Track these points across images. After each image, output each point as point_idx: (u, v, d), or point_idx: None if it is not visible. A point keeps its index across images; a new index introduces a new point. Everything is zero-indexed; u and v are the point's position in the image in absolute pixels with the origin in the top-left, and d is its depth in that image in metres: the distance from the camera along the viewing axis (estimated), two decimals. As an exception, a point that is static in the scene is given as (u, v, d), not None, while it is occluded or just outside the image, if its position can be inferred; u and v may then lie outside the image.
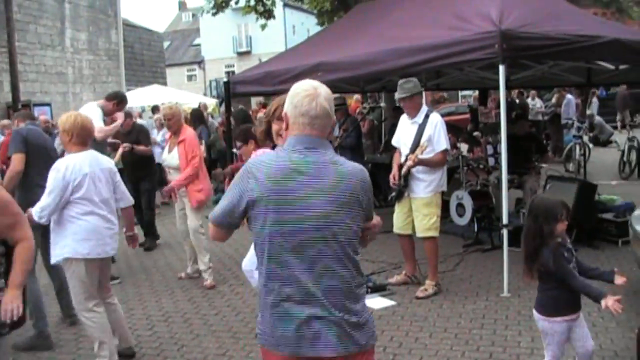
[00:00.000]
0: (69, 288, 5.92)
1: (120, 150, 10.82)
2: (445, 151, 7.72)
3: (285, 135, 3.24)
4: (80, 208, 5.66)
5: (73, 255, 5.63)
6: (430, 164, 7.63)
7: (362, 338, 3.12)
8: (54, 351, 6.58)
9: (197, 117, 16.62)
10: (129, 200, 6.25)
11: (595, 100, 27.17)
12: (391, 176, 7.87)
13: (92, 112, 8.38)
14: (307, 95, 3.15)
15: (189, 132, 8.81)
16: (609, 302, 4.25)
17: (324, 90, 3.21)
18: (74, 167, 5.65)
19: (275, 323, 3.07)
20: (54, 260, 5.77)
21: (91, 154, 5.88)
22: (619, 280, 4.52)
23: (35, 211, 5.57)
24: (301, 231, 3.02)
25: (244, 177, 3.13)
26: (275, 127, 3.93)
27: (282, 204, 3.02)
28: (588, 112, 22.72)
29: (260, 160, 3.16)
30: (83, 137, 5.85)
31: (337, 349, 3.04)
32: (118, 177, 6.13)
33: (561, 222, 4.56)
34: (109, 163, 6.09)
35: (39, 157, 6.90)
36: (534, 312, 4.81)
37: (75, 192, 5.62)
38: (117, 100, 9.05)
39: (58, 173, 5.59)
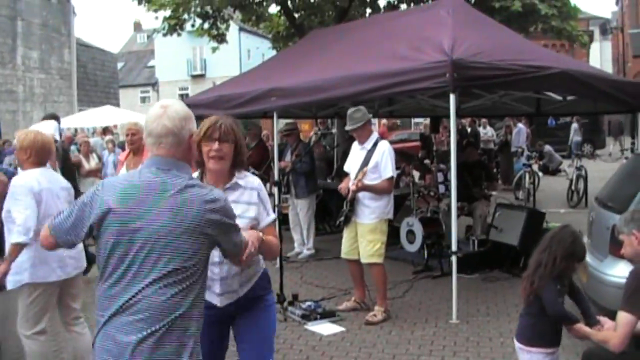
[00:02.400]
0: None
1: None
2: (391, 179, 7.74)
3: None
4: (38, 227, 5.35)
5: (32, 281, 5.42)
6: (375, 191, 7.66)
7: None
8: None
9: None
10: None
11: (575, 125, 27.85)
12: (339, 187, 7.97)
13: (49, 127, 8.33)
14: (154, 115, 3.16)
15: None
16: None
17: (171, 109, 3.18)
18: (32, 179, 5.46)
19: None
20: (10, 286, 5.49)
21: (49, 172, 5.73)
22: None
23: (19, 232, 5.26)
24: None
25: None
26: (205, 148, 3.87)
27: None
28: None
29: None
30: (42, 156, 5.67)
31: None
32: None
33: (580, 263, 4.49)
34: (66, 182, 5.92)
35: None
36: (515, 341, 4.67)
37: (38, 205, 5.41)
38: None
39: (17, 188, 5.40)
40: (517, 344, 4.63)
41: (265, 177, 11.12)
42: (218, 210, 3.12)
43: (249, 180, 4.04)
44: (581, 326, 4.35)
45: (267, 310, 4.15)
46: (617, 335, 4.06)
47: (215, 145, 3.83)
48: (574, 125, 28.17)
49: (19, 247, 5.26)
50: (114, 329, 2.99)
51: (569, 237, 4.53)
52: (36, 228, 5.26)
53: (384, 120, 24.63)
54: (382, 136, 20.52)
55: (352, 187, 7.61)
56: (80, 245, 5.68)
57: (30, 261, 5.42)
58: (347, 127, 8.02)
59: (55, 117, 9.13)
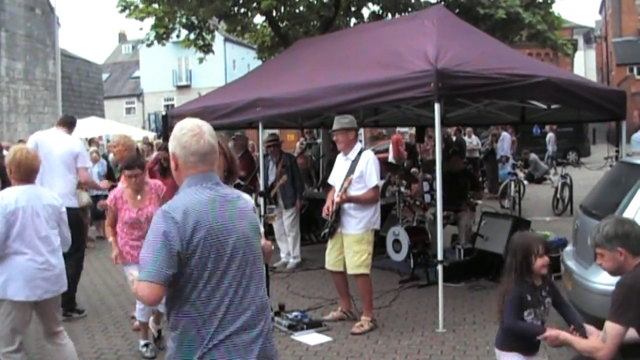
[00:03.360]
0: None
1: None
2: (376, 188, 7.73)
3: (175, 175, 3.38)
4: (11, 246, 5.39)
5: (2, 296, 5.40)
6: (360, 201, 7.66)
7: None
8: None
9: None
10: (65, 244, 5.92)
11: (551, 135, 28.00)
12: (325, 207, 7.89)
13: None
14: (193, 135, 3.29)
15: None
16: (548, 339, 4.33)
17: (206, 127, 3.37)
18: (8, 198, 5.42)
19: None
20: None
21: (33, 189, 5.64)
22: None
23: None
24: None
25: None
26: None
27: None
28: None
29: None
30: (26, 173, 5.59)
31: None
32: (64, 217, 5.86)
33: (539, 257, 4.46)
34: (53, 200, 5.77)
35: None
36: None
37: (10, 227, 5.36)
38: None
39: None
40: (495, 349, 4.73)
41: (252, 188, 11.10)
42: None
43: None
44: (561, 333, 4.34)
45: None
46: (607, 347, 4.03)
47: None
48: (550, 135, 28.32)
49: None
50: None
51: (521, 236, 4.77)
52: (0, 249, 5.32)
53: (403, 129, 24.51)
54: (397, 145, 20.59)
55: (337, 199, 7.61)
56: (59, 269, 5.66)
57: (2, 277, 5.39)
58: (333, 129, 8.03)
59: (70, 122, 9.00)
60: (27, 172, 5.64)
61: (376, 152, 22.69)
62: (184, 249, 3.08)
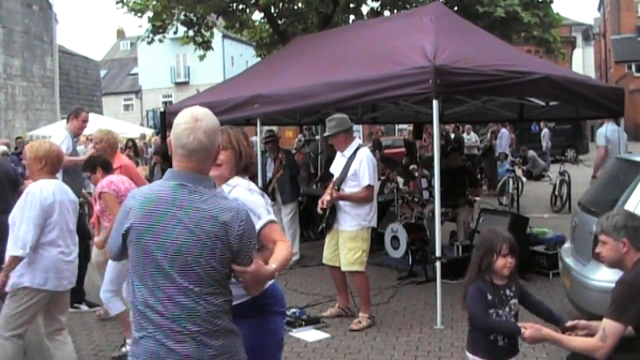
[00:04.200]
0: (3, 307, 5.66)
1: None
2: (369, 187, 7.68)
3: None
4: (45, 237, 5.49)
5: (30, 285, 5.45)
6: (352, 199, 7.65)
7: None
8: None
9: None
10: None
11: (546, 131, 28.01)
12: (319, 201, 7.89)
13: (60, 137, 8.43)
14: (186, 128, 3.16)
15: (124, 159, 8.50)
16: (526, 332, 4.20)
17: (205, 123, 3.20)
18: (47, 191, 5.51)
19: None
20: (7, 287, 5.50)
21: (60, 183, 5.78)
22: (568, 323, 4.40)
23: (16, 245, 5.32)
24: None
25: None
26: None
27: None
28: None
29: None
30: (55, 167, 5.75)
31: None
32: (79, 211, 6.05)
33: (501, 257, 4.35)
34: (73, 195, 5.93)
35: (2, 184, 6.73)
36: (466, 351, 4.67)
37: (47, 218, 5.48)
38: (74, 114, 9.04)
39: (35, 198, 5.44)
40: (467, 353, 4.62)
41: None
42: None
43: (235, 191, 4.00)
44: (543, 328, 4.26)
45: None
46: (607, 346, 4.01)
47: None
48: (545, 131, 28.36)
49: (16, 260, 5.35)
50: None
51: (488, 232, 4.73)
52: (35, 242, 5.40)
53: (402, 125, 24.52)
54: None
55: (327, 198, 7.61)
56: (76, 261, 5.78)
57: (30, 266, 5.45)
58: (325, 133, 8.04)
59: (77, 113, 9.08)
60: (57, 166, 5.84)
61: (384, 148, 22.78)
62: (124, 232, 3.17)
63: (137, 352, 3.14)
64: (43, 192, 5.50)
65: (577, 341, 4.23)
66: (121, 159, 8.43)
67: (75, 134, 9.03)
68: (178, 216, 3.06)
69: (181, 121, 3.19)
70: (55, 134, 8.74)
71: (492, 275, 4.42)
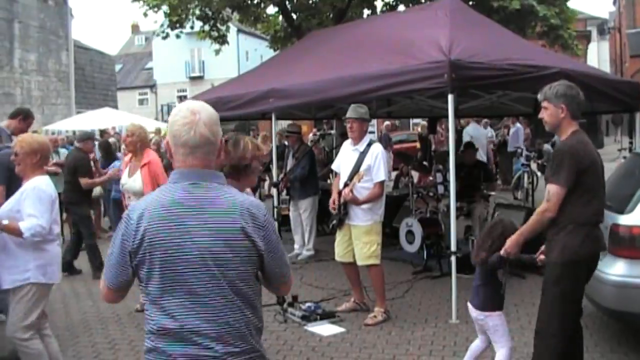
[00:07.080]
0: (11, 312, 5.60)
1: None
2: (382, 182, 7.69)
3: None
4: (53, 230, 5.56)
5: (37, 281, 5.46)
6: (369, 200, 7.61)
7: None
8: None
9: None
10: None
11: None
12: (331, 201, 7.88)
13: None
14: (185, 123, 2.84)
15: (153, 155, 8.41)
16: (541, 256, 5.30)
17: (204, 114, 2.89)
18: (50, 187, 5.56)
19: None
20: (10, 285, 5.50)
21: (49, 178, 5.77)
22: (541, 256, 5.35)
23: (30, 230, 5.30)
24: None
25: None
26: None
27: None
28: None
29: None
30: (47, 159, 5.79)
31: None
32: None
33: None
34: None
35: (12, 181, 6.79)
36: (474, 310, 5.53)
37: (50, 213, 5.51)
38: (23, 116, 8.94)
39: (44, 193, 5.45)
40: (479, 314, 5.51)
41: (264, 178, 11.07)
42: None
43: None
44: (516, 236, 5.21)
45: None
46: (552, 204, 4.92)
47: None
48: None
49: (19, 234, 5.31)
50: None
51: (498, 222, 5.69)
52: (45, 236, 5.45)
53: (417, 120, 24.47)
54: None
55: (344, 195, 7.58)
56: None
57: (35, 262, 5.47)
58: (348, 115, 7.86)
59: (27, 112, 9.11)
60: (48, 159, 5.97)
61: (395, 143, 22.72)
62: (133, 250, 2.81)
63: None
64: (48, 187, 5.54)
65: (531, 219, 5.19)
66: (149, 154, 8.33)
67: (14, 134, 8.42)
68: (201, 218, 2.79)
69: (178, 117, 2.87)
70: None
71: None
